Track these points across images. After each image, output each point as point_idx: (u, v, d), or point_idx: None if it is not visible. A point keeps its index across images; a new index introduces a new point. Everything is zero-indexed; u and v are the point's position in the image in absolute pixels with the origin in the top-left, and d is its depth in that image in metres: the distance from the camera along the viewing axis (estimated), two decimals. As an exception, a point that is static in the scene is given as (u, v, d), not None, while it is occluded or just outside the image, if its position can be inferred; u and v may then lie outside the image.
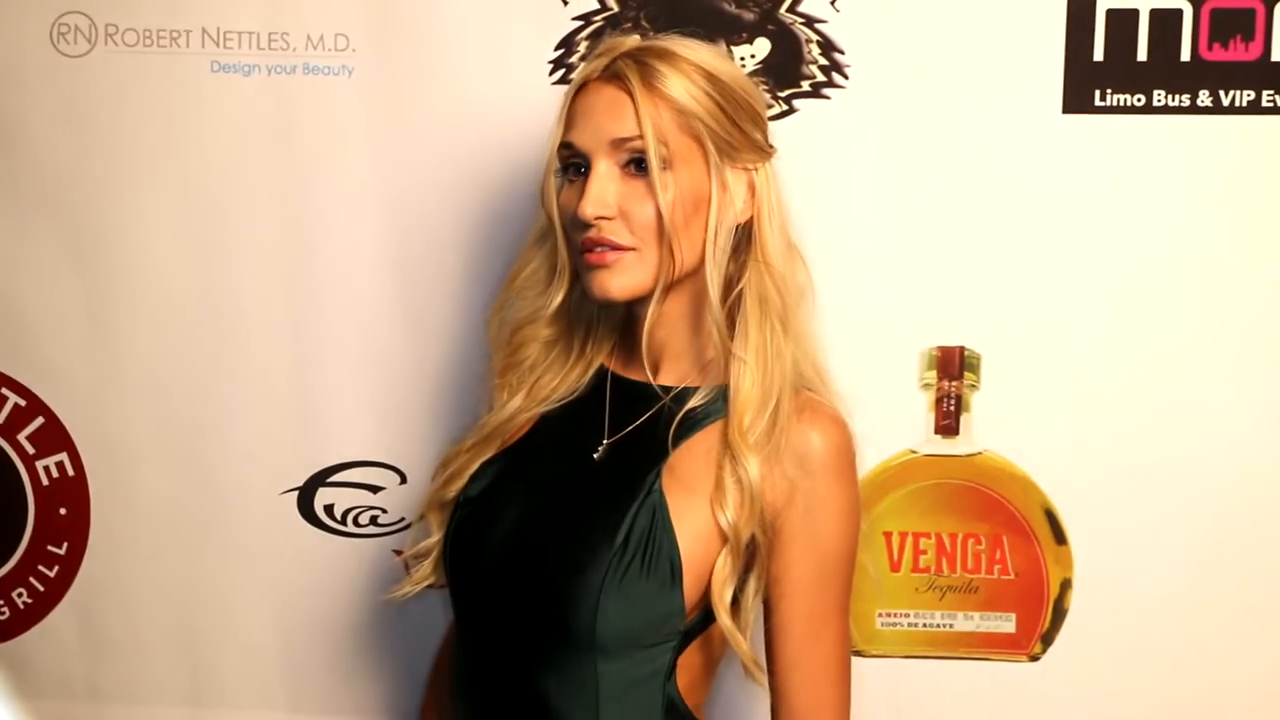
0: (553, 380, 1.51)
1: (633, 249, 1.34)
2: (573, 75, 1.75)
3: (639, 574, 1.32)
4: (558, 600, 1.33)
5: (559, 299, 1.45)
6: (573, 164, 1.38)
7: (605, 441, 1.43)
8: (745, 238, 1.40)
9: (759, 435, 1.33)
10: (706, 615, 1.37)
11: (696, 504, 1.35)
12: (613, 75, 1.35)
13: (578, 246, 1.37)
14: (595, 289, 1.36)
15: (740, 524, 1.33)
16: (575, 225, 1.36)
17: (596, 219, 1.33)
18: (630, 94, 1.32)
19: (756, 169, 1.38)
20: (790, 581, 1.35)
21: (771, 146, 1.42)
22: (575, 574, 1.33)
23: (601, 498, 1.37)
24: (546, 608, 1.34)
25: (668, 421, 1.39)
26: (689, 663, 1.39)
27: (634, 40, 1.40)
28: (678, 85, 1.33)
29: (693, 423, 1.39)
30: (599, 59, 1.38)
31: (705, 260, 1.35)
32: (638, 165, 1.33)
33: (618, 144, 1.33)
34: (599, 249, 1.34)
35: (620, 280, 1.35)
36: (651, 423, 1.41)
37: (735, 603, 1.36)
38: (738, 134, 1.36)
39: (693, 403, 1.40)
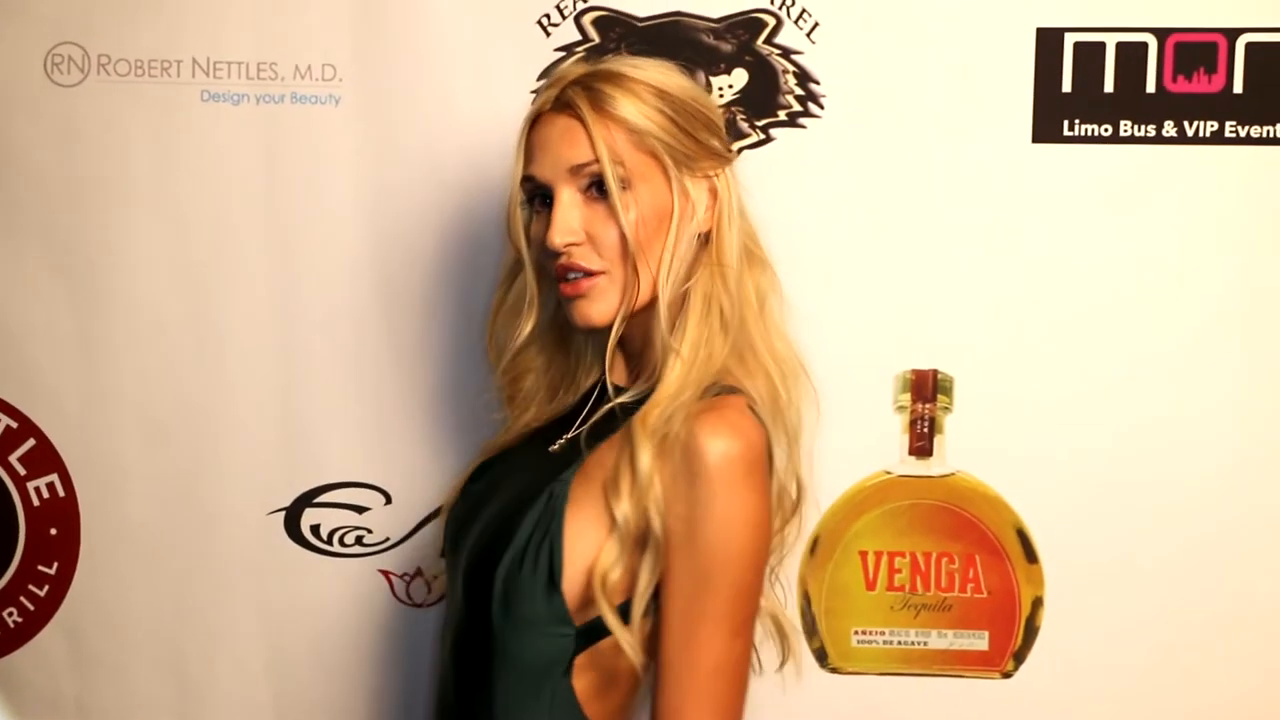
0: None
1: (603, 272, 1.36)
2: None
3: (531, 568, 1.33)
4: (478, 589, 1.37)
5: (529, 328, 1.47)
6: (537, 195, 1.40)
7: (563, 438, 1.46)
8: (704, 243, 1.41)
9: (655, 423, 1.32)
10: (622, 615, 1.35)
11: (596, 497, 1.35)
12: (564, 105, 1.36)
13: (552, 275, 1.39)
14: (577, 319, 1.38)
15: (631, 512, 1.31)
16: (547, 254, 1.37)
17: (566, 246, 1.35)
18: (582, 120, 1.34)
19: (718, 175, 1.40)
20: (669, 582, 1.31)
21: (730, 151, 1.43)
22: (490, 565, 1.36)
23: (528, 491, 1.39)
24: (474, 596, 1.38)
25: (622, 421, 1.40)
26: (591, 664, 1.36)
27: (581, 67, 1.41)
28: (628, 106, 1.34)
29: (620, 420, 1.39)
30: (549, 90, 1.39)
31: (660, 271, 1.36)
32: (599, 189, 1.35)
33: (576, 170, 1.35)
34: (572, 276, 1.36)
35: (598, 307, 1.37)
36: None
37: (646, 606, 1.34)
38: (694, 144, 1.37)
39: (622, 399, 1.40)
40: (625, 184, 1.34)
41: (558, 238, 1.34)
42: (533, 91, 1.81)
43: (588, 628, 1.34)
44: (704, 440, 1.29)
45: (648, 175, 1.36)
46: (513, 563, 1.34)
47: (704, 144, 1.38)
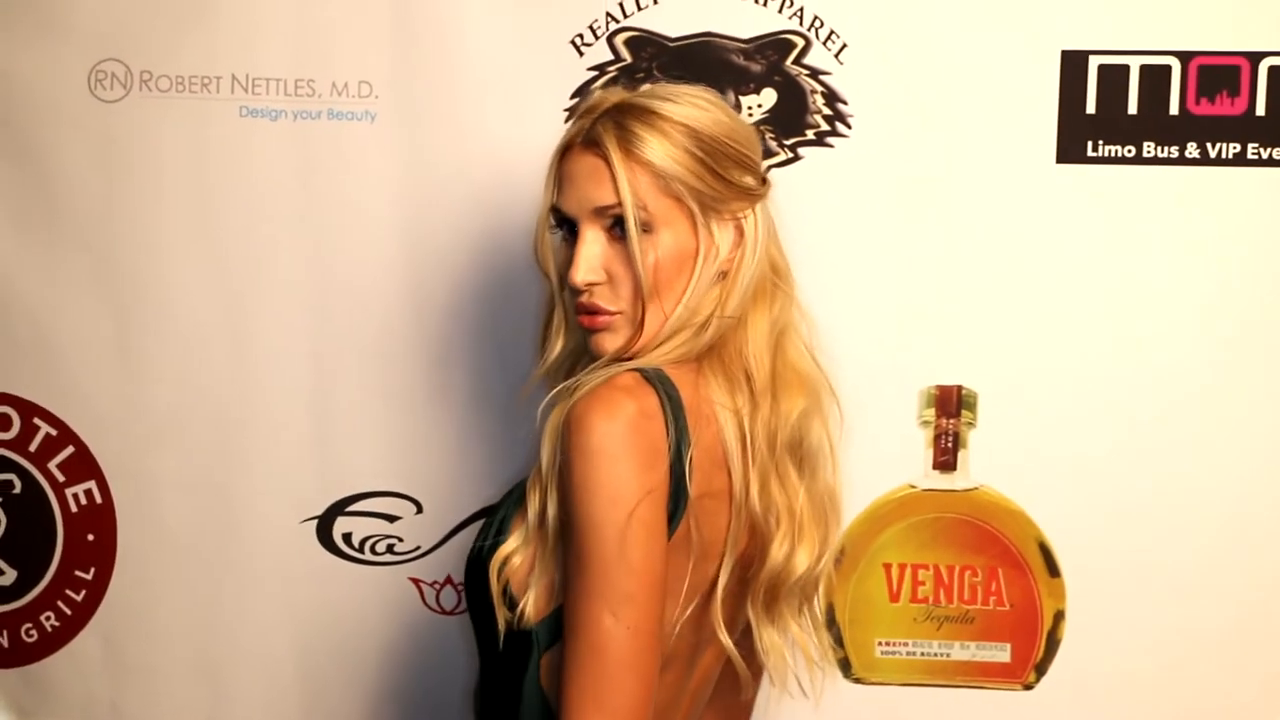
0: None
1: (620, 313, 1.36)
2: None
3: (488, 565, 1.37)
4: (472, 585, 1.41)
5: (559, 347, 1.47)
6: (564, 224, 1.40)
7: None
8: (724, 277, 1.39)
9: (551, 397, 1.33)
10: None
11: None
12: (591, 141, 1.35)
13: (573, 306, 1.40)
14: (594, 348, 1.39)
15: (531, 497, 1.33)
16: (569, 288, 1.39)
17: (587, 285, 1.35)
18: (608, 162, 1.33)
19: (745, 216, 1.38)
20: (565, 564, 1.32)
21: (764, 185, 1.40)
22: (479, 563, 1.39)
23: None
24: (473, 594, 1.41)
25: None
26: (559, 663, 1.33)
27: (615, 96, 1.38)
28: (656, 148, 1.32)
29: None
30: (580, 120, 1.38)
31: (674, 310, 1.35)
32: (622, 228, 1.33)
33: (600, 211, 1.34)
34: (590, 314, 1.37)
35: (612, 340, 1.37)
36: None
37: None
38: (723, 186, 1.35)
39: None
40: (647, 228, 1.33)
41: (579, 277, 1.35)
42: (565, 110, 1.84)
43: (541, 626, 1.35)
44: (569, 419, 1.27)
45: (671, 220, 1.34)
46: (483, 562, 1.37)
47: (735, 183, 1.36)
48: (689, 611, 1.36)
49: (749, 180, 1.38)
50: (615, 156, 1.32)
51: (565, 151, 1.39)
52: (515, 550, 1.36)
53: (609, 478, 1.25)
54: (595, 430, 1.26)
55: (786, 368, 1.41)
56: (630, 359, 1.35)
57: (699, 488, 1.32)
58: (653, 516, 1.27)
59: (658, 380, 1.31)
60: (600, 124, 1.35)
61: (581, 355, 1.47)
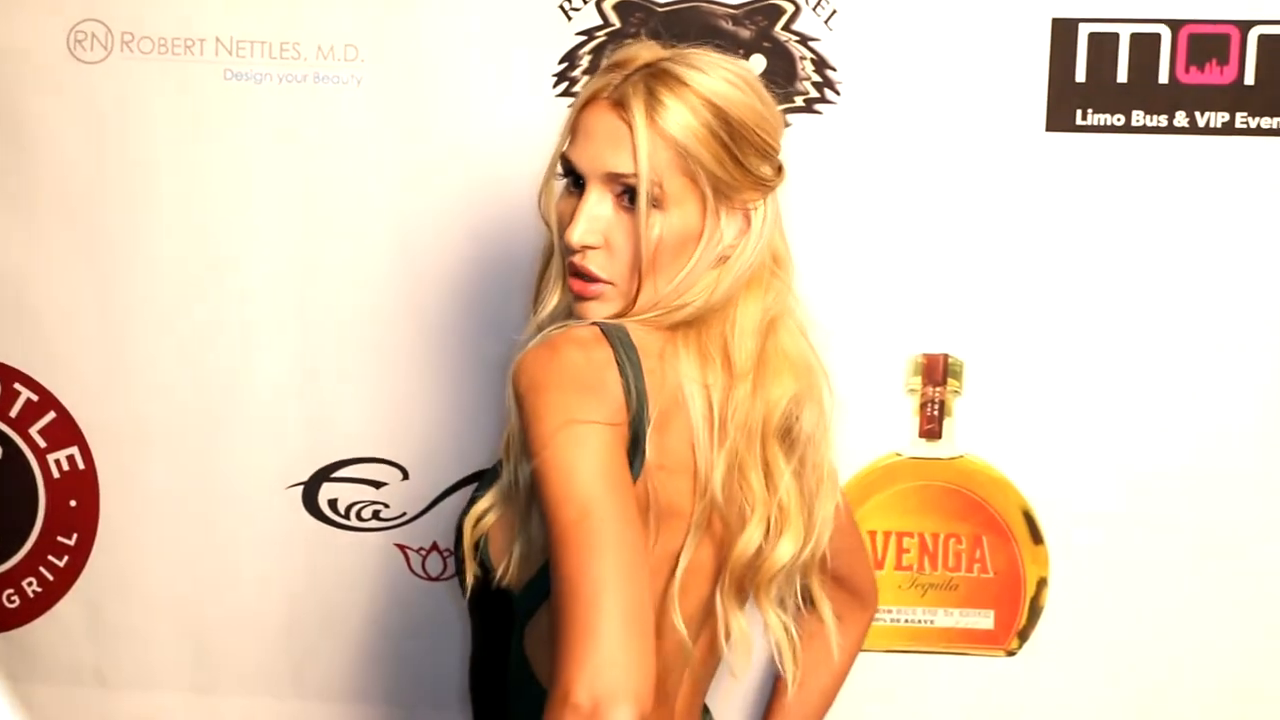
0: None
1: (611, 283, 1.32)
2: (577, 88, 1.82)
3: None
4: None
5: (553, 303, 1.42)
6: (572, 175, 1.36)
7: None
8: (721, 261, 1.36)
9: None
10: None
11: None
12: (618, 100, 1.30)
13: (567, 266, 1.36)
14: (579, 312, 1.36)
15: (505, 460, 1.32)
16: (565, 245, 1.35)
17: (582, 247, 1.31)
18: (631, 127, 1.28)
19: (755, 207, 1.34)
20: None
21: (780, 174, 1.37)
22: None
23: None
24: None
25: None
26: (542, 631, 1.31)
27: (648, 53, 1.33)
28: (681, 122, 1.28)
29: None
30: (609, 75, 1.32)
31: (667, 290, 1.33)
32: (630, 198, 1.30)
33: (612, 177, 1.30)
34: (581, 278, 1.33)
35: (600, 309, 1.33)
36: None
37: None
38: (740, 174, 1.31)
39: None
40: (657, 204, 1.29)
41: (576, 237, 1.31)
42: (554, 75, 1.83)
43: (525, 590, 1.34)
44: (514, 370, 1.25)
45: (683, 199, 1.30)
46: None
47: (752, 172, 1.32)
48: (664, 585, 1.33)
49: (766, 170, 1.34)
50: (641, 125, 1.28)
51: (589, 102, 1.33)
52: (489, 508, 1.35)
53: (548, 406, 1.21)
54: (531, 371, 1.23)
55: (777, 353, 1.37)
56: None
57: (659, 456, 1.28)
58: (604, 440, 1.21)
59: (617, 338, 1.27)
60: (631, 84, 1.30)
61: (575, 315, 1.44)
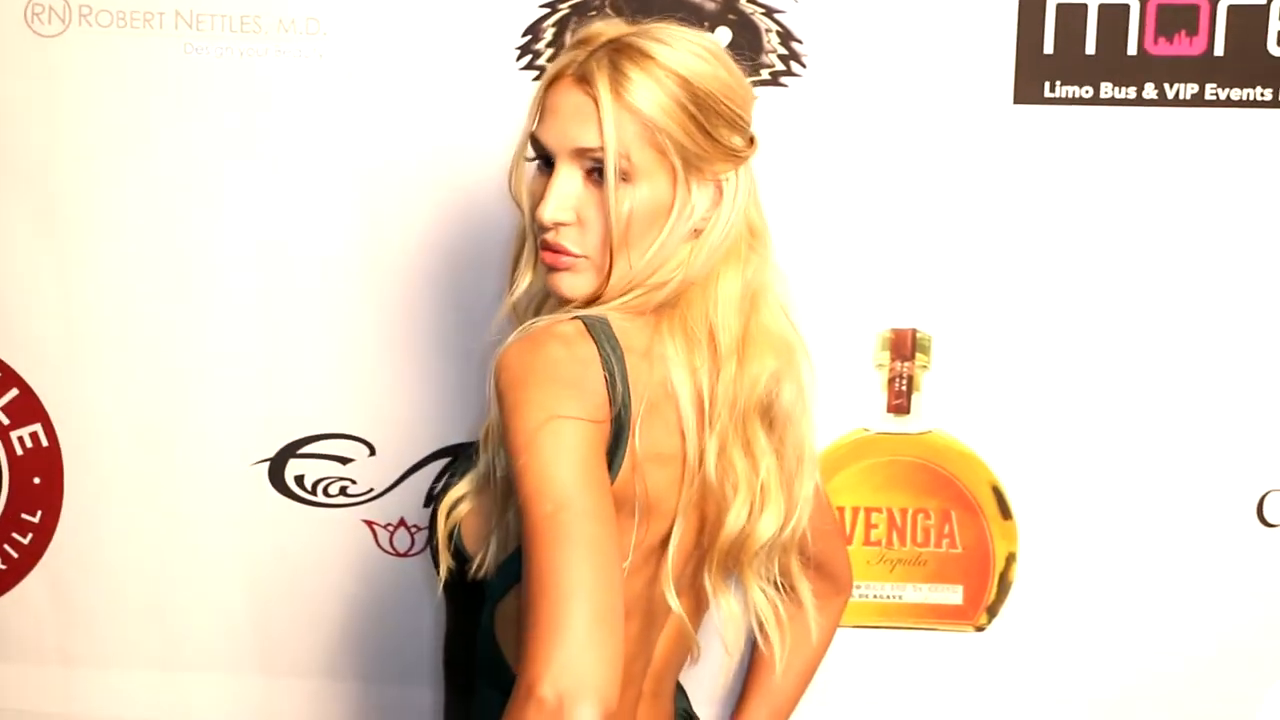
0: None
1: (585, 257, 1.32)
2: (540, 62, 1.80)
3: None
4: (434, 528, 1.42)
5: (525, 284, 1.42)
6: (542, 155, 1.35)
7: None
8: (695, 235, 1.35)
9: (508, 343, 1.28)
10: None
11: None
12: (582, 76, 1.30)
13: (539, 243, 1.36)
14: (551, 287, 1.36)
15: (484, 448, 1.32)
16: (536, 224, 1.34)
17: (554, 224, 1.31)
18: (596, 103, 1.28)
19: (727, 178, 1.34)
20: None
21: (751, 145, 1.36)
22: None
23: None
24: None
25: None
26: (511, 613, 1.31)
27: (613, 30, 1.33)
28: (647, 96, 1.28)
29: None
30: (574, 52, 1.33)
31: (639, 265, 1.32)
32: (600, 173, 1.29)
33: (580, 153, 1.29)
34: (553, 252, 1.33)
35: (573, 283, 1.33)
36: None
37: None
38: (709, 145, 1.31)
39: None
40: (626, 177, 1.29)
41: (547, 214, 1.30)
42: (517, 48, 1.81)
43: (495, 578, 1.34)
44: (495, 364, 1.25)
45: (652, 172, 1.30)
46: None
47: (722, 143, 1.32)
48: (647, 573, 1.34)
49: (737, 141, 1.34)
50: (605, 99, 1.27)
51: (554, 81, 1.33)
52: (465, 496, 1.36)
53: (529, 402, 1.21)
54: (513, 366, 1.23)
55: (758, 329, 1.37)
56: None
57: (646, 448, 1.28)
58: (583, 437, 1.21)
59: (601, 333, 1.27)
60: (595, 60, 1.30)
61: (550, 294, 1.43)
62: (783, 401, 1.39)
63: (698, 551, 1.40)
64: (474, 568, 1.35)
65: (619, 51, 1.30)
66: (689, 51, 1.31)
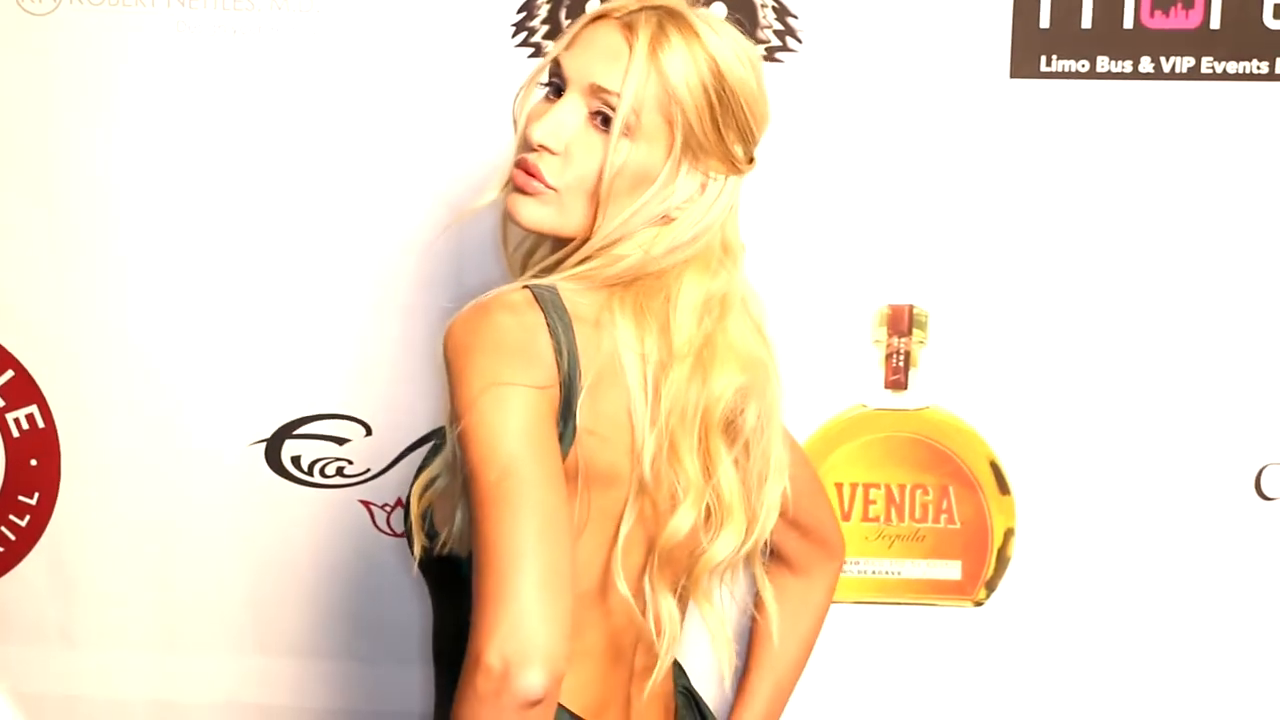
0: None
1: (554, 190, 1.31)
2: (535, 39, 1.80)
3: None
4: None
5: (493, 196, 1.40)
6: (554, 83, 1.36)
7: None
8: (661, 223, 1.35)
9: None
10: None
11: None
12: (628, 24, 1.31)
13: (515, 159, 1.35)
14: (509, 208, 1.35)
15: (446, 424, 1.31)
16: (523, 142, 1.34)
17: (540, 147, 1.31)
18: (631, 49, 1.29)
19: (715, 179, 1.34)
20: None
21: (749, 164, 1.38)
22: None
23: None
24: None
25: None
26: None
27: None
28: (680, 65, 1.29)
29: None
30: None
31: (601, 226, 1.32)
32: (604, 120, 1.30)
33: (595, 90, 1.30)
34: (527, 174, 1.32)
35: (532, 211, 1.33)
36: None
37: None
38: (714, 137, 1.33)
39: None
40: (629, 131, 1.30)
41: (536, 134, 1.31)
42: (513, 25, 1.80)
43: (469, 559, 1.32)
44: (445, 333, 1.25)
45: (653, 138, 1.31)
46: None
47: (725, 144, 1.33)
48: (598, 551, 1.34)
49: (739, 150, 1.36)
50: (641, 50, 1.29)
51: (599, 18, 1.34)
52: (435, 477, 1.35)
53: (473, 369, 1.20)
54: (459, 334, 1.23)
55: (725, 343, 1.35)
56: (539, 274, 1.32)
57: (596, 417, 1.27)
58: (529, 403, 1.20)
59: (549, 302, 1.26)
60: (646, 14, 1.31)
61: (543, 240, 1.44)
62: (746, 419, 1.38)
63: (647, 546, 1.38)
64: (439, 545, 1.35)
65: (671, 16, 1.32)
66: (732, 49, 1.34)
